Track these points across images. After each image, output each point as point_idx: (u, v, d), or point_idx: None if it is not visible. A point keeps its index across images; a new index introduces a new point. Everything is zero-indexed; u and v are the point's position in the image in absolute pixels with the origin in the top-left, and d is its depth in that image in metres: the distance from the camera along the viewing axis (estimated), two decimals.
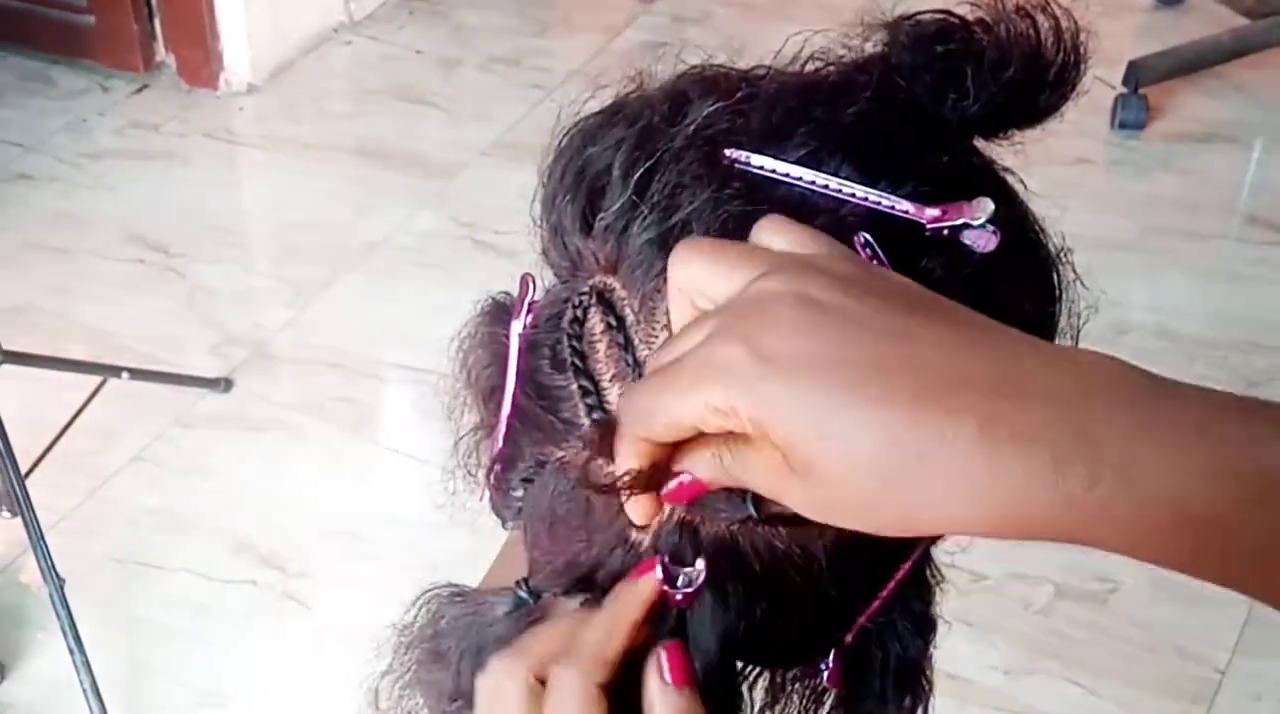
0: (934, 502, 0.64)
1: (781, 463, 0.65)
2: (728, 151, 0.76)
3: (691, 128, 0.77)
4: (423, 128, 3.89)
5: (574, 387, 0.77)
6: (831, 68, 0.81)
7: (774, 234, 0.71)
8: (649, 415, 0.68)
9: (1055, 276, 0.81)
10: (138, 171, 3.75)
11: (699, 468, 0.69)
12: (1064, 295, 0.81)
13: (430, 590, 0.85)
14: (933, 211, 0.74)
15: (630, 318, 0.76)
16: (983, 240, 0.74)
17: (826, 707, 0.86)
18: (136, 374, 2.92)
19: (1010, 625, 2.66)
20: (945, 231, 0.74)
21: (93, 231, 3.55)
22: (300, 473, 2.97)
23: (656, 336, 0.75)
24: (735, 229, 0.73)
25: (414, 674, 0.88)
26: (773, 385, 0.64)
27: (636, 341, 0.76)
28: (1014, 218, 0.79)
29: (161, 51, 4.07)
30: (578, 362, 0.78)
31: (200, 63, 4.00)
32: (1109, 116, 3.83)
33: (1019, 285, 0.76)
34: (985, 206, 0.74)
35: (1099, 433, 0.62)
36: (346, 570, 2.77)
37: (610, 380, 0.77)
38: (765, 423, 0.64)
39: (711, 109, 0.77)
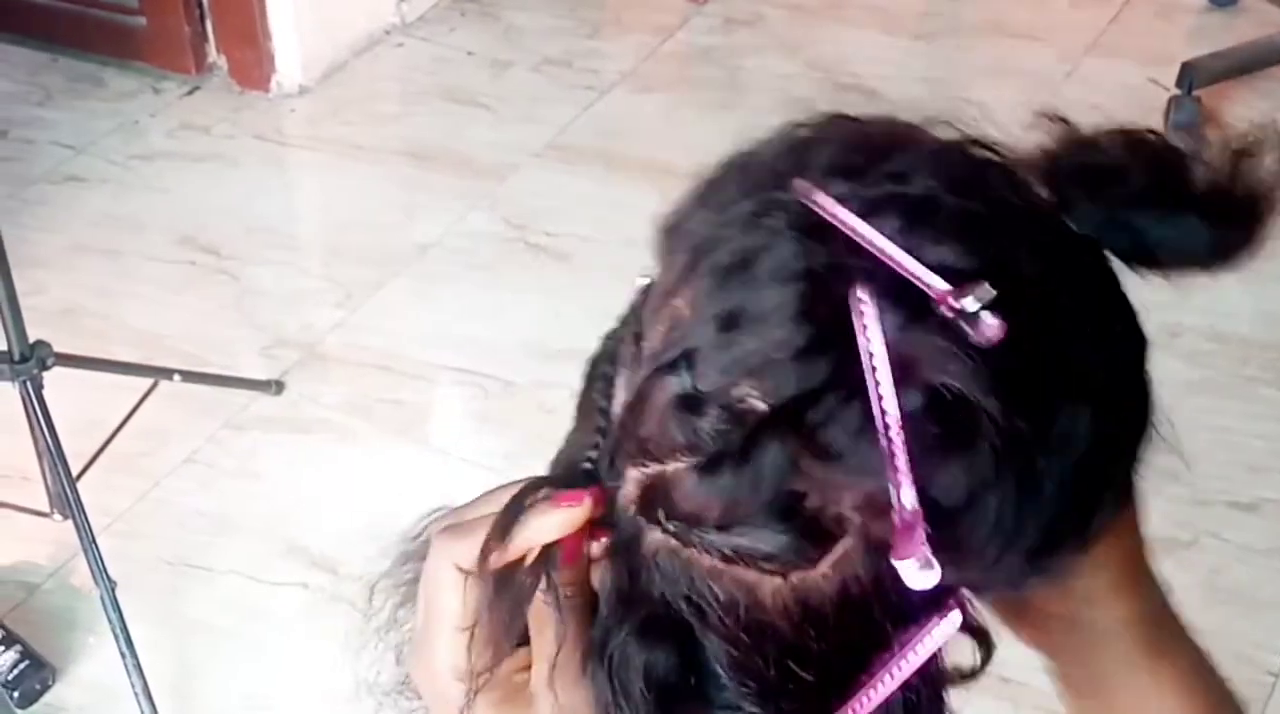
0: None
1: None
2: (796, 179, 0.72)
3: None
4: (474, 129, 3.89)
5: (600, 373, 0.81)
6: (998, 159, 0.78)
7: None
8: None
9: None
10: (188, 173, 3.76)
11: None
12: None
13: (438, 510, 0.88)
14: (942, 286, 0.68)
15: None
16: (985, 331, 0.67)
17: None
18: (188, 376, 2.93)
19: None
20: (951, 313, 0.68)
21: (143, 233, 3.56)
22: (351, 475, 2.97)
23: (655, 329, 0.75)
24: (759, 246, 0.72)
25: (410, 589, 0.88)
26: None
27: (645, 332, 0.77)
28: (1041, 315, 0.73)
29: (213, 53, 4.08)
30: (610, 351, 0.81)
31: (252, 64, 4.01)
32: (1162, 118, 3.80)
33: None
34: (983, 292, 0.67)
35: None
36: None
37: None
38: None
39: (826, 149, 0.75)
